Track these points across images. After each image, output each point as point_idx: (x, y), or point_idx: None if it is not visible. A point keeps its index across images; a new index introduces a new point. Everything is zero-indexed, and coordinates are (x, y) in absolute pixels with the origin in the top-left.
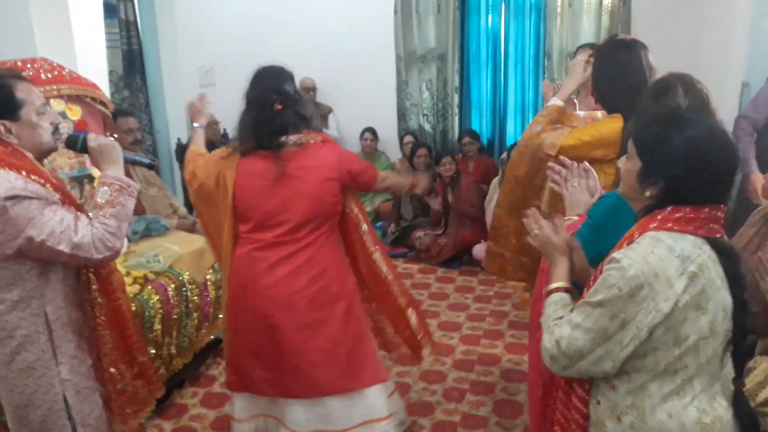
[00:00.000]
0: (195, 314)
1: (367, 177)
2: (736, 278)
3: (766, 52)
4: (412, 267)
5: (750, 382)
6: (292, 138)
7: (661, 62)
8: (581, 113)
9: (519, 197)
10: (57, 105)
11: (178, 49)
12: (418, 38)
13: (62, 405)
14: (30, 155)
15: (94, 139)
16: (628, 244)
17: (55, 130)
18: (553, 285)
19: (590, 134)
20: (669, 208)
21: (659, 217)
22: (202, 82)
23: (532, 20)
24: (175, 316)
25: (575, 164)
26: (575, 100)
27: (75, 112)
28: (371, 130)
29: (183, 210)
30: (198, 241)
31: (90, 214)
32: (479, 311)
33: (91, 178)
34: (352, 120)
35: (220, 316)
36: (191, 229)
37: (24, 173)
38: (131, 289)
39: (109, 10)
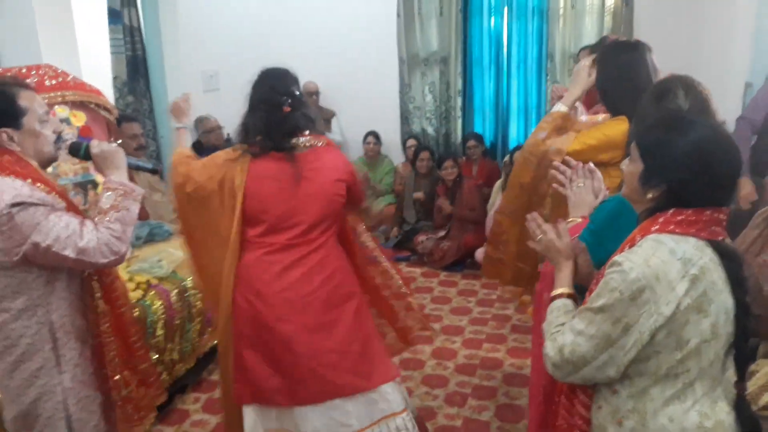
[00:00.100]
0: (197, 319)
1: (359, 190)
2: (738, 281)
3: None
4: (414, 271)
5: (752, 385)
6: (302, 140)
7: (663, 63)
8: (584, 117)
9: (523, 204)
10: (61, 111)
11: (182, 55)
12: (420, 41)
13: (63, 414)
14: (34, 163)
15: (97, 145)
16: (630, 246)
17: (58, 138)
18: (557, 291)
19: (596, 138)
20: (671, 211)
21: (661, 219)
22: (206, 87)
23: (535, 22)
24: (177, 322)
25: (580, 165)
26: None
27: (79, 119)
28: (374, 134)
29: None
30: None
31: (95, 219)
32: (482, 315)
33: (95, 184)
34: (355, 124)
35: None
36: None
37: (29, 181)
38: (134, 295)
39: (113, 16)
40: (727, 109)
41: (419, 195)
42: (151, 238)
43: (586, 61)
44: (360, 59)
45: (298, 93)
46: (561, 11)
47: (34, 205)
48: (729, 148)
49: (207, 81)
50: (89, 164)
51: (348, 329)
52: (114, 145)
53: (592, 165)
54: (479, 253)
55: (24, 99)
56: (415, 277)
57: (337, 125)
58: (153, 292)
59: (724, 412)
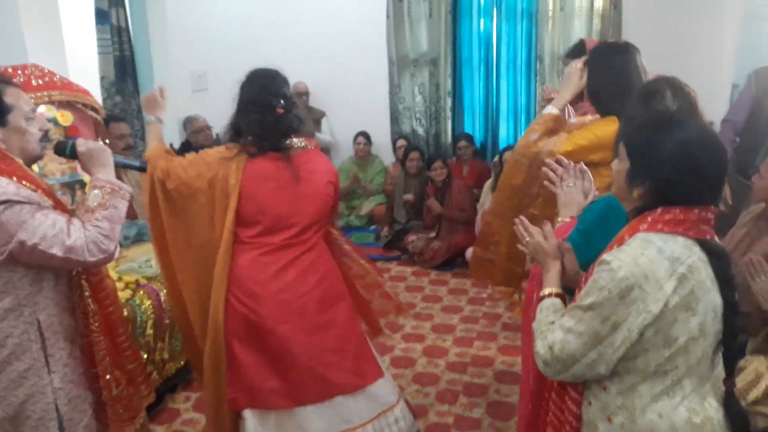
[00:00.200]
0: None
1: (338, 194)
2: (726, 279)
3: (755, 53)
4: (405, 270)
5: (741, 381)
6: (295, 141)
7: (651, 65)
8: (573, 120)
9: (514, 205)
10: (48, 111)
11: (170, 55)
12: (410, 42)
13: (54, 414)
14: (20, 161)
15: (83, 143)
16: (619, 245)
17: (44, 136)
18: (545, 291)
19: (587, 138)
20: (659, 210)
21: (649, 218)
22: (194, 87)
23: (524, 24)
24: (167, 321)
25: (572, 164)
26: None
27: (66, 118)
28: (365, 134)
29: None
30: None
31: (82, 217)
32: (472, 313)
33: (82, 184)
34: (345, 124)
35: None
36: None
37: (15, 179)
38: (123, 294)
39: (101, 16)
40: (714, 110)
41: (409, 197)
42: (139, 238)
43: (578, 64)
44: (350, 60)
45: (289, 94)
46: (550, 13)
47: (20, 203)
48: (715, 148)
49: (195, 81)
50: (77, 164)
51: (343, 328)
52: (100, 143)
53: (583, 166)
54: (469, 253)
55: (10, 96)
56: (405, 276)
57: (327, 126)
58: (142, 292)
59: (713, 408)
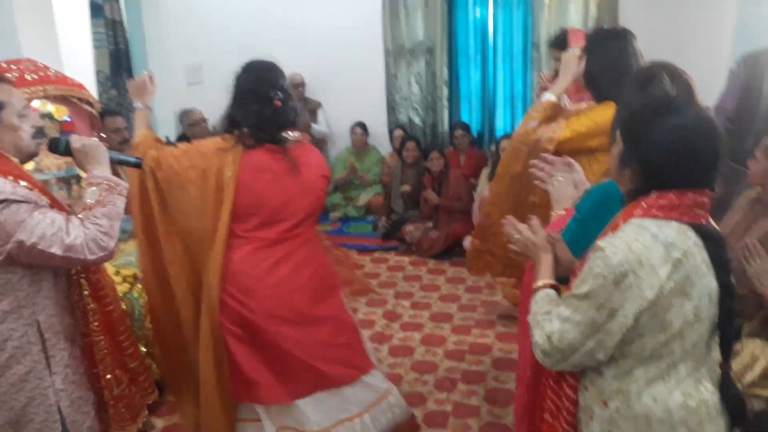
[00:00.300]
0: None
1: (327, 189)
2: (721, 263)
3: (753, 39)
4: (403, 260)
5: (737, 364)
6: (291, 134)
7: (647, 51)
8: (569, 107)
9: (514, 194)
10: (43, 106)
11: (165, 48)
12: (406, 32)
13: (57, 417)
14: (15, 159)
15: (78, 140)
16: (613, 231)
17: (37, 133)
18: (539, 282)
19: (585, 125)
20: (653, 195)
21: (644, 204)
22: (190, 80)
23: (520, 11)
24: None
25: (558, 160)
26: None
27: (61, 113)
28: (361, 125)
29: None
30: None
31: (80, 215)
32: (470, 302)
33: (78, 179)
34: (342, 115)
35: None
36: None
37: (11, 178)
38: (121, 288)
39: (95, 10)
40: (711, 96)
41: (406, 188)
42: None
43: (576, 51)
44: (345, 50)
45: (286, 86)
46: (546, 1)
47: (17, 202)
48: (707, 132)
49: (191, 74)
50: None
51: (335, 322)
52: (95, 139)
53: (569, 158)
54: (467, 242)
55: (2, 92)
56: (403, 266)
57: (323, 116)
58: (140, 286)
59: (708, 392)
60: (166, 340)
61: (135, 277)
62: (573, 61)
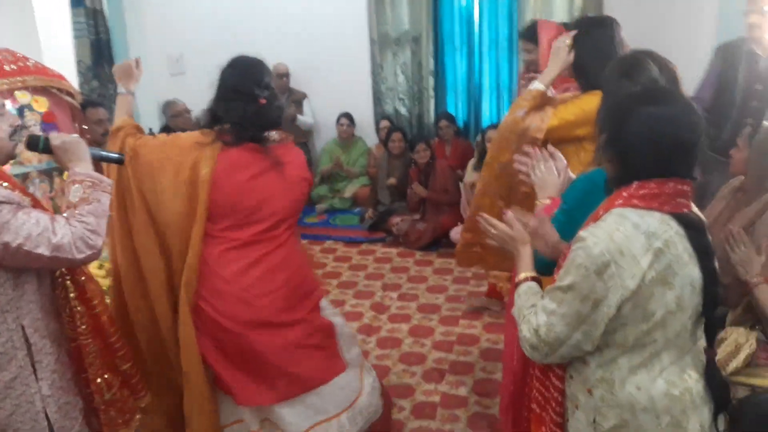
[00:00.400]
0: None
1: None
2: (704, 250)
3: (734, 29)
4: (390, 251)
5: (721, 352)
6: (273, 134)
7: (630, 40)
8: (554, 94)
9: (504, 184)
10: (23, 97)
11: (147, 38)
12: (391, 21)
13: (44, 424)
14: None
15: (57, 137)
16: (595, 221)
17: (14, 132)
18: (521, 276)
19: (573, 113)
20: (634, 185)
21: (624, 194)
22: (172, 70)
23: (505, 0)
24: None
25: (537, 151)
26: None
27: (41, 104)
28: (348, 116)
29: None
30: None
31: (65, 213)
32: (457, 292)
33: (61, 171)
34: (327, 105)
35: None
36: None
37: None
38: (106, 282)
39: None
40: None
41: (392, 181)
42: None
43: (567, 40)
44: (331, 40)
45: (272, 86)
46: None
47: (0, 203)
48: (690, 120)
49: (173, 65)
50: None
51: (308, 325)
52: (75, 135)
53: (552, 147)
54: (454, 233)
55: None
56: (391, 257)
57: (308, 107)
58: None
59: (692, 380)
60: (141, 333)
61: None
62: (563, 50)
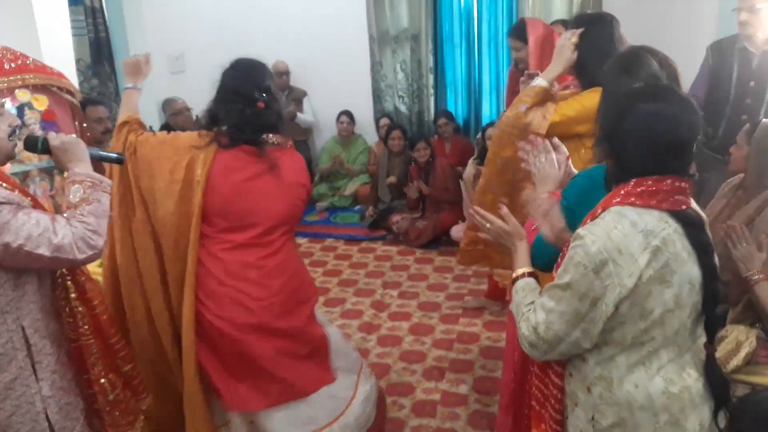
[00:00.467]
0: None
1: (307, 200)
2: (703, 246)
3: (734, 26)
4: (391, 249)
5: (721, 350)
6: (271, 137)
7: (631, 36)
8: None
9: (507, 180)
10: (23, 95)
11: (147, 36)
12: (390, 18)
13: (45, 425)
14: None
15: (56, 137)
16: (592, 219)
17: (13, 132)
18: (518, 272)
19: (575, 109)
20: (632, 182)
21: (622, 191)
22: (172, 69)
23: None
24: None
25: (540, 140)
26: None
27: (41, 103)
28: (348, 113)
29: None
30: None
31: (65, 214)
32: (458, 290)
33: (61, 170)
34: (327, 103)
35: None
36: None
37: None
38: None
39: None
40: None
41: (392, 179)
42: None
43: (573, 38)
44: (330, 37)
45: (273, 90)
46: None
47: (0, 204)
48: (690, 117)
49: (173, 63)
50: None
51: (301, 333)
52: (73, 135)
53: (556, 139)
54: (454, 230)
55: None
56: (391, 255)
57: (308, 105)
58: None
59: (692, 379)
60: (134, 333)
61: None
62: (568, 48)
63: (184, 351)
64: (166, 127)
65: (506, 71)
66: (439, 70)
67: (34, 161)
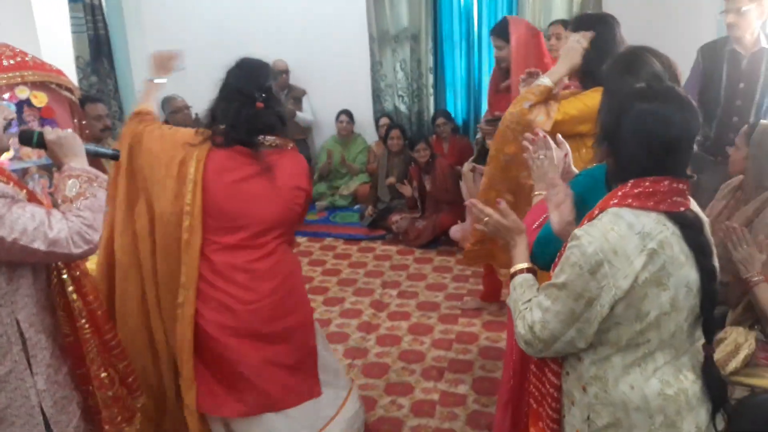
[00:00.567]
0: None
1: (306, 210)
2: (701, 248)
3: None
4: (390, 249)
5: (720, 352)
6: (269, 139)
7: (630, 37)
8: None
9: (511, 177)
10: (21, 92)
11: (146, 34)
12: (390, 18)
13: (40, 419)
14: None
15: (52, 131)
16: (589, 220)
17: (8, 125)
18: (516, 267)
19: (577, 108)
20: (629, 183)
21: (620, 193)
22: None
23: None
24: None
25: (542, 136)
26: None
27: (40, 100)
28: (347, 113)
29: None
30: None
31: (61, 208)
32: (457, 290)
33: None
34: (327, 102)
35: None
36: None
37: None
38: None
39: None
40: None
41: (391, 180)
42: None
43: (584, 42)
44: (330, 36)
45: (274, 90)
46: None
47: None
48: (689, 117)
49: None
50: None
51: (290, 342)
52: (69, 130)
53: (559, 136)
54: (453, 230)
55: None
56: (390, 255)
57: (308, 104)
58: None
59: (688, 381)
60: (122, 325)
61: None
62: (578, 51)
63: (178, 347)
64: (165, 124)
65: None
66: (438, 69)
67: (33, 158)
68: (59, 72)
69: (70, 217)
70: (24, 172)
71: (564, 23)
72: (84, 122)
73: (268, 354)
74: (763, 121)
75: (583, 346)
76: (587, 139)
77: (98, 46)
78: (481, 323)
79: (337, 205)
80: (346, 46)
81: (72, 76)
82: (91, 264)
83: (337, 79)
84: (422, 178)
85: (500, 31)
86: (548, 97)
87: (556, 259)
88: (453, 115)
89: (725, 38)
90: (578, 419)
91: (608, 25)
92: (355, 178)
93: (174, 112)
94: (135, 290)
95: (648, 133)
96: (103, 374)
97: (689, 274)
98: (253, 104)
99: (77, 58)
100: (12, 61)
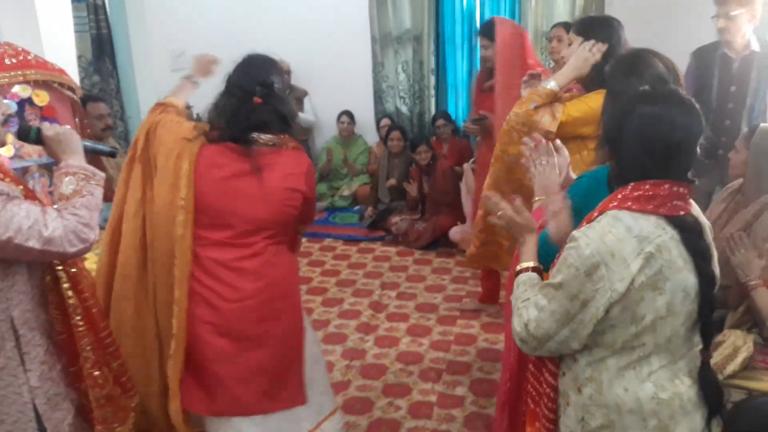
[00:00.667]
0: None
1: (312, 207)
2: (700, 252)
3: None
4: (389, 250)
5: (718, 355)
6: (265, 137)
7: (633, 39)
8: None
9: (516, 178)
10: (23, 91)
11: (149, 33)
12: (393, 19)
13: (32, 415)
14: None
15: (50, 128)
16: (588, 222)
17: (6, 120)
18: (522, 265)
19: (581, 110)
20: (629, 186)
21: (620, 195)
22: (174, 66)
23: (507, 0)
24: None
25: (543, 142)
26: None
27: (42, 98)
28: (348, 113)
29: None
30: None
31: (57, 206)
32: (456, 292)
33: None
34: (328, 103)
35: None
36: None
37: None
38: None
39: None
40: None
41: (392, 182)
42: None
43: (598, 55)
44: (332, 37)
45: (277, 86)
46: None
47: None
48: (692, 120)
49: (174, 60)
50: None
51: (272, 347)
52: (67, 127)
53: (558, 142)
54: (452, 232)
55: None
56: (390, 256)
57: (309, 105)
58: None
59: (684, 386)
60: (114, 314)
61: None
62: (589, 60)
63: (175, 337)
64: None
65: None
66: (440, 71)
67: (34, 157)
68: (61, 71)
69: (66, 215)
70: (24, 171)
71: (566, 26)
72: (85, 121)
73: (249, 357)
74: (762, 125)
75: (577, 347)
76: (589, 142)
77: (101, 46)
78: (479, 325)
79: (336, 205)
80: (348, 47)
81: (74, 75)
82: (91, 264)
83: (338, 80)
84: (422, 180)
85: (486, 31)
86: (553, 99)
87: (555, 260)
88: (454, 117)
89: (717, 42)
90: (573, 420)
91: (613, 29)
92: (356, 178)
93: None
94: (134, 273)
95: (650, 136)
96: (96, 372)
97: (687, 278)
98: (249, 99)
99: (80, 57)
100: (14, 60)
